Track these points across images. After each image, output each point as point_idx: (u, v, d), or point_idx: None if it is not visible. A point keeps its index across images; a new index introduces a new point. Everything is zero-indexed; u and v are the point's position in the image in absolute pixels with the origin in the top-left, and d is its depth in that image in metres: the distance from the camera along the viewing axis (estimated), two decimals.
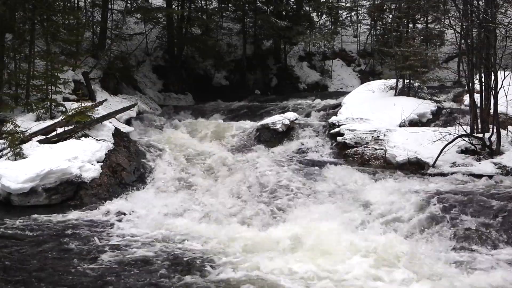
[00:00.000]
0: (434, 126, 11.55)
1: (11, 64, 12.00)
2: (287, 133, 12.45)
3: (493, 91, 9.85)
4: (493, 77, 9.84)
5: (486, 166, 9.22)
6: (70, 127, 9.97)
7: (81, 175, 8.66)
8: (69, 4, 17.73)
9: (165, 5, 20.57)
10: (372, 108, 12.77)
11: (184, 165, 10.07)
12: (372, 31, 24.90)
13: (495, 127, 9.74)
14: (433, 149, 9.74)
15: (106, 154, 9.46)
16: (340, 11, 24.92)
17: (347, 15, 26.09)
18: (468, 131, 10.00)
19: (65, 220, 7.52)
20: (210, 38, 21.24)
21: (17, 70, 11.88)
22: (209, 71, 21.86)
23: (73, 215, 7.72)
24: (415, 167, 9.87)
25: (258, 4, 22.54)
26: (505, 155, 9.42)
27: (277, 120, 12.61)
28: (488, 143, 9.68)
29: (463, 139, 9.78)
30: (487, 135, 9.77)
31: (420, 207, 7.48)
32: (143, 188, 9.13)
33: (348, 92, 15.71)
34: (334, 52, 24.18)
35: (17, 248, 6.26)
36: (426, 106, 12.50)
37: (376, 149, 10.71)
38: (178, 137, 12.21)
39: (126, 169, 9.52)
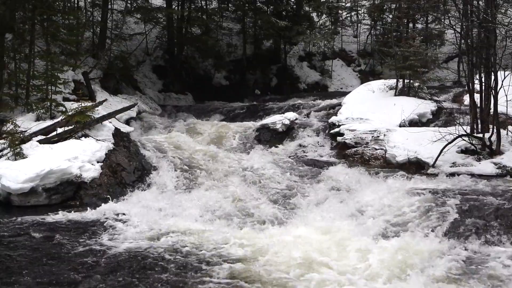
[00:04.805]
0: (434, 126, 11.56)
1: (11, 64, 12.00)
2: (287, 133, 12.46)
3: (493, 91, 9.85)
4: (493, 77, 9.84)
5: (486, 166, 9.22)
6: (70, 127, 9.95)
7: (81, 175, 8.65)
8: (69, 4, 17.75)
9: (165, 5, 20.59)
10: (372, 108, 12.78)
11: (184, 165, 10.06)
12: (372, 31, 24.91)
13: (495, 127, 9.75)
14: (433, 149, 9.74)
15: (106, 154, 9.45)
16: (340, 11, 24.94)
17: (347, 15, 26.12)
18: (468, 131, 10.00)
19: (65, 220, 7.50)
20: (210, 38, 21.25)
21: (17, 70, 11.88)
22: (209, 71, 21.86)
23: (73, 215, 7.70)
24: (415, 167, 9.88)
25: (258, 4, 22.57)
26: (505, 155, 9.43)
27: (277, 120, 12.63)
28: (488, 143, 9.68)
29: (463, 139, 9.78)
30: (487, 135, 9.77)
31: (420, 207, 7.47)
32: (143, 188, 9.12)
33: (348, 92, 15.72)
34: (334, 52, 24.20)
35: (16, 248, 6.25)
36: (426, 106, 12.50)
37: (376, 149, 10.71)
38: (178, 137, 12.19)
39: (126, 169, 9.51)
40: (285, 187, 9.04)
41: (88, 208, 8.07)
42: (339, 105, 13.93)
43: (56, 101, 11.10)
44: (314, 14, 24.33)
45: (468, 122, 10.59)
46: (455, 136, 9.69)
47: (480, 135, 9.86)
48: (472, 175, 9.03)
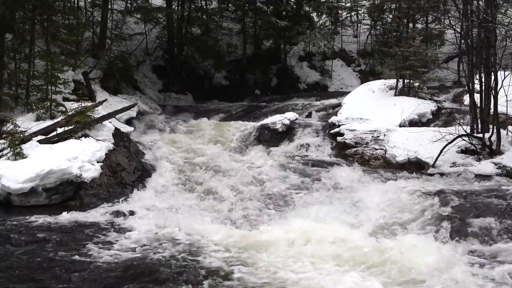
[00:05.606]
0: (434, 126, 11.55)
1: (11, 64, 12.00)
2: (287, 133, 12.45)
3: (493, 91, 9.86)
4: (493, 77, 9.85)
5: (486, 166, 9.22)
6: (70, 127, 9.96)
7: (81, 175, 8.65)
8: (69, 4, 17.76)
9: (165, 5, 20.59)
10: (372, 108, 12.78)
11: (184, 165, 10.06)
12: (372, 31, 24.91)
13: (495, 127, 9.75)
14: (433, 149, 9.74)
15: (106, 154, 9.45)
16: (340, 11, 24.95)
17: (347, 15, 26.13)
18: (468, 131, 10.00)
19: (65, 220, 7.49)
20: (210, 38, 21.25)
21: (17, 70, 11.88)
22: (209, 71, 21.86)
23: (73, 215, 7.70)
24: (415, 167, 9.88)
25: (258, 4, 22.58)
26: (505, 155, 9.43)
27: (277, 120, 12.62)
28: (488, 143, 9.68)
29: (463, 139, 9.78)
30: (487, 135, 9.78)
31: (420, 207, 7.47)
32: (143, 188, 9.12)
33: (348, 92, 15.71)
34: (334, 52, 24.21)
35: (16, 249, 6.25)
36: (426, 106, 12.50)
37: (376, 149, 10.71)
38: (178, 137, 12.21)
39: (126, 169, 9.52)
40: (284, 187, 9.03)
41: (88, 208, 8.07)
42: (339, 105, 13.93)
43: (56, 101, 11.10)
44: (314, 14, 24.35)
45: (468, 122, 10.59)
46: (455, 136, 9.69)
47: (480, 135, 9.86)
48: (472, 175, 9.04)
